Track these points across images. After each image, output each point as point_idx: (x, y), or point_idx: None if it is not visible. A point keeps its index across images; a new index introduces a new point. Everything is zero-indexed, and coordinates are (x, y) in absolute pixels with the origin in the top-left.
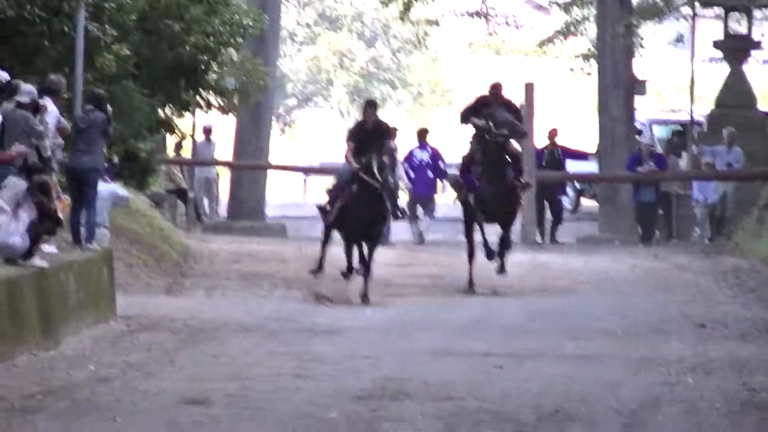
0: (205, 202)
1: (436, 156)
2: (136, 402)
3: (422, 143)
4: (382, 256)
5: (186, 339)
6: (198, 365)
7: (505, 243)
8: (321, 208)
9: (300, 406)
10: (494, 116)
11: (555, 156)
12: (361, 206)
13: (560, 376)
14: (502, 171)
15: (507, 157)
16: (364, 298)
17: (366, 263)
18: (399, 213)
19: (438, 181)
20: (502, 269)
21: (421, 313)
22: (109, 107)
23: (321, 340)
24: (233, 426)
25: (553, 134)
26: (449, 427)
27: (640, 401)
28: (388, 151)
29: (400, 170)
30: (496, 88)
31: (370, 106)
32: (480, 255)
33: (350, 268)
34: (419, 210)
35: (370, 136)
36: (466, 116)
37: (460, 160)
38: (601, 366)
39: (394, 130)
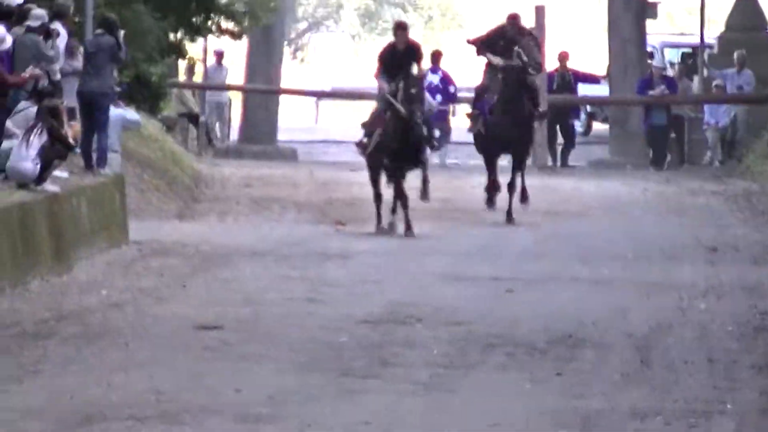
0: (217, 126)
1: (446, 80)
2: (148, 327)
3: (434, 66)
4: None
5: (197, 264)
6: (209, 290)
7: (514, 183)
8: (359, 144)
9: (311, 330)
10: (519, 47)
11: (566, 79)
12: (393, 135)
13: (571, 300)
14: (520, 103)
15: (524, 88)
16: (408, 231)
17: (400, 194)
18: (434, 142)
19: (449, 104)
20: (523, 197)
21: (431, 237)
22: (121, 31)
23: (332, 264)
24: (244, 350)
25: (563, 57)
26: (460, 351)
27: (651, 325)
28: (418, 75)
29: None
30: (514, 19)
31: (401, 28)
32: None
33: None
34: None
35: (401, 59)
36: (482, 48)
37: (473, 86)
38: (612, 290)
39: (439, 53)
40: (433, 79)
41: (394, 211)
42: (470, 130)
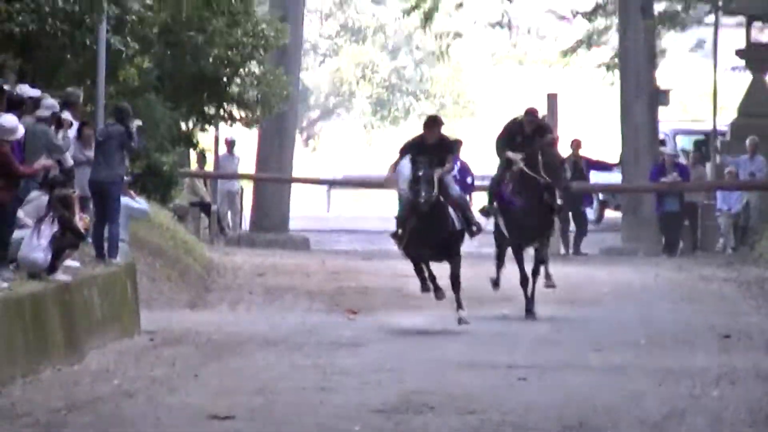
0: (229, 215)
1: (464, 170)
2: (161, 417)
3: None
4: (401, 267)
5: (210, 353)
6: (222, 379)
7: (538, 267)
8: (394, 235)
9: (324, 419)
10: (534, 154)
11: (578, 167)
12: (419, 222)
13: (584, 387)
14: (539, 195)
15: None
16: (459, 309)
17: (452, 279)
18: (474, 228)
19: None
20: (548, 280)
21: (444, 324)
22: (137, 121)
23: (345, 352)
24: None
25: (576, 145)
26: None
27: (664, 413)
28: (449, 167)
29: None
30: (532, 114)
31: (434, 123)
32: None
33: (424, 286)
34: None
35: (429, 152)
36: (501, 147)
37: (490, 174)
38: (625, 377)
39: (459, 142)
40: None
41: (459, 307)
42: (483, 209)
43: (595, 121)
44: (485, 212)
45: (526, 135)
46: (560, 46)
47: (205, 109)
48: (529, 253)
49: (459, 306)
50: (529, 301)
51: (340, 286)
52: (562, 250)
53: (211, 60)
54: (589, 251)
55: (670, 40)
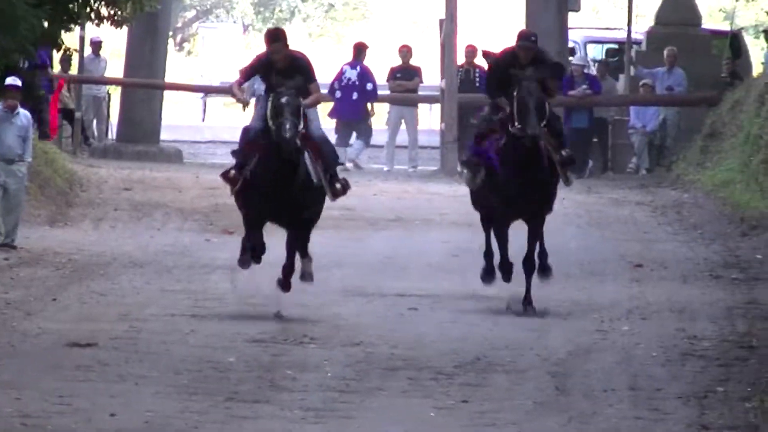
0: (94, 123)
1: (365, 74)
2: (16, 344)
3: (354, 61)
4: None
5: (71, 275)
6: (84, 304)
7: (530, 260)
8: (225, 175)
9: (195, 349)
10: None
11: (470, 77)
12: (264, 165)
13: (482, 320)
14: (538, 160)
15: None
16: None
17: (288, 247)
18: (338, 186)
19: (367, 104)
20: (544, 271)
21: (332, 248)
22: None
23: (219, 276)
24: (121, 370)
25: (470, 52)
26: (357, 374)
27: (569, 349)
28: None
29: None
30: (527, 38)
31: (276, 38)
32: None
33: (244, 257)
34: (354, 135)
35: (281, 77)
36: (493, 89)
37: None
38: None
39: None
40: (351, 74)
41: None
42: (468, 183)
43: (497, 28)
44: (466, 163)
45: (522, 66)
46: None
47: (70, 6)
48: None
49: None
50: (527, 293)
51: (216, 203)
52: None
53: None
54: None
55: None
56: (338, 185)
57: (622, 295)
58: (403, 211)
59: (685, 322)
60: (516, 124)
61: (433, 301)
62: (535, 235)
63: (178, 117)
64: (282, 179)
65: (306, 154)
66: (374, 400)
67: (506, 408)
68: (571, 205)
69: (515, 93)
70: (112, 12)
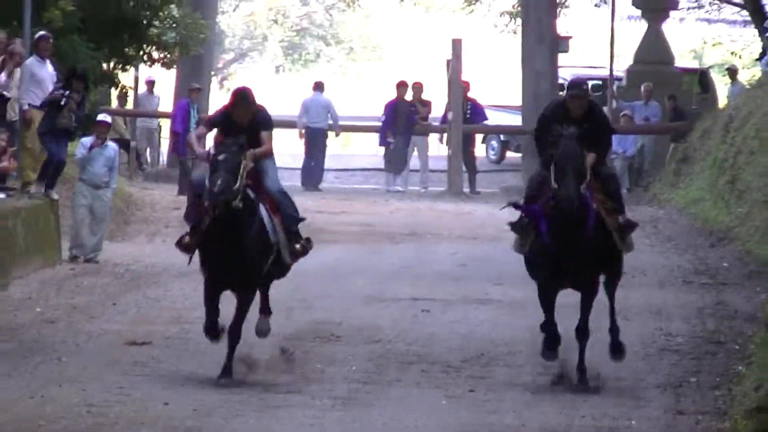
0: (147, 151)
1: (478, 110)
2: (80, 343)
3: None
4: (313, 203)
5: (128, 283)
6: (139, 308)
7: (582, 330)
8: (179, 242)
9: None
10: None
11: (464, 109)
12: (214, 226)
13: (486, 320)
14: (582, 224)
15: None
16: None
17: (233, 324)
18: (298, 246)
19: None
20: (615, 351)
21: (352, 259)
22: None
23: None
24: (172, 366)
25: (464, 87)
26: (378, 368)
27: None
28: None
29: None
30: (579, 88)
31: (244, 101)
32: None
33: (212, 329)
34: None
35: (240, 132)
36: (541, 144)
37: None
38: (524, 311)
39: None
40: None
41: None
42: (516, 249)
43: (497, 67)
44: (515, 227)
45: (574, 120)
46: None
47: (126, 50)
48: None
49: (225, 369)
50: (580, 362)
51: None
52: (466, 189)
53: (131, 3)
54: (492, 190)
55: None
56: (298, 246)
57: (606, 298)
58: (416, 226)
59: (662, 322)
60: (554, 185)
61: (443, 304)
62: (587, 303)
63: None
64: (228, 238)
65: (261, 208)
66: (392, 391)
67: (507, 397)
68: None
69: (554, 152)
70: (162, 55)
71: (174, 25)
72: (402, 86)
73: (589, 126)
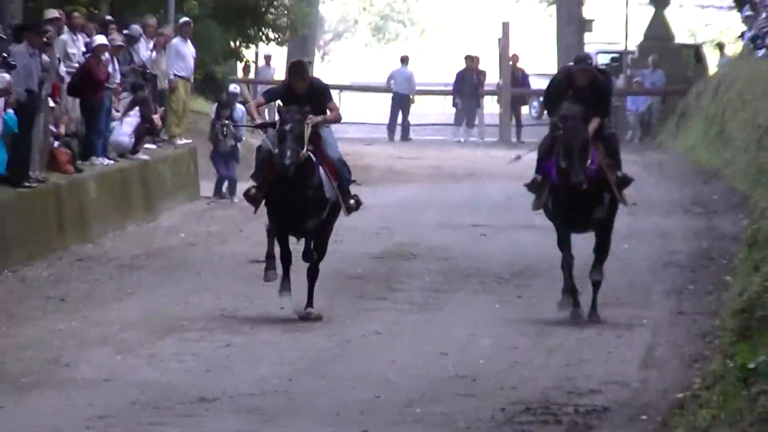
0: (266, 112)
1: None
2: (215, 261)
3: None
4: (394, 149)
5: (250, 215)
6: (260, 234)
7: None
8: (246, 194)
9: (336, 264)
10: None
11: (516, 76)
12: (280, 184)
13: (529, 242)
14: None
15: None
16: (306, 314)
17: (306, 256)
18: (351, 201)
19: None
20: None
21: (424, 194)
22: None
23: (352, 215)
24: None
25: (515, 59)
26: (446, 279)
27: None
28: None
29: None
30: (584, 61)
31: (300, 70)
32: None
33: (269, 271)
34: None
35: (300, 102)
36: (550, 107)
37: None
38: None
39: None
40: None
41: (309, 304)
42: (534, 206)
43: (537, 44)
44: (531, 186)
45: (579, 88)
46: None
47: (249, 31)
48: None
49: (309, 303)
50: (593, 301)
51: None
52: (513, 138)
53: None
54: (534, 139)
55: None
56: (352, 201)
57: (623, 224)
58: (474, 168)
59: (666, 242)
60: (561, 164)
61: (496, 229)
62: (600, 248)
63: None
64: (291, 194)
65: (321, 171)
66: (457, 297)
67: (546, 300)
68: None
69: (561, 135)
70: (276, 35)
71: (285, 11)
72: (468, 58)
73: (593, 92)
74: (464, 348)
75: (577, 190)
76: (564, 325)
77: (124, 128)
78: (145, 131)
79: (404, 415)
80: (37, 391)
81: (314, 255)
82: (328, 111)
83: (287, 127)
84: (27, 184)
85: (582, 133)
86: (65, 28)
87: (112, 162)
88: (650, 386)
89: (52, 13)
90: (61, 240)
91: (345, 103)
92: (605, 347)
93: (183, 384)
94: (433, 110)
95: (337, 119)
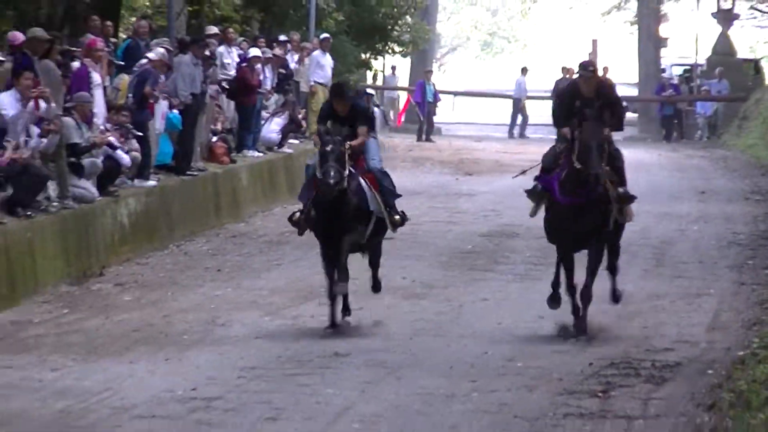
0: (391, 113)
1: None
2: (292, 251)
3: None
4: (499, 146)
5: None
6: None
7: (587, 290)
8: (290, 218)
9: (450, 241)
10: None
11: None
12: (322, 205)
13: None
14: (600, 159)
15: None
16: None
17: (372, 264)
18: (397, 217)
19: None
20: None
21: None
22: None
23: (464, 199)
24: (407, 252)
25: (605, 70)
26: (543, 254)
27: (663, 240)
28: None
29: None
30: (586, 67)
31: (340, 92)
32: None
33: (332, 289)
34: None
35: (342, 123)
36: (557, 119)
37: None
38: (638, 217)
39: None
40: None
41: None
42: (531, 212)
43: (621, 57)
44: (530, 193)
45: (586, 98)
46: (601, 8)
47: (377, 46)
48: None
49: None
50: (580, 319)
51: (460, 158)
52: None
53: (380, 15)
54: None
55: (671, 6)
56: (397, 217)
57: (693, 209)
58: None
59: (730, 224)
60: (576, 164)
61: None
62: (592, 265)
63: (440, 109)
64: (333, 207)
65: (362, 182)
66: (553, 269)
67: (627, 274)
68: (664, 158)
69: (579, 134)
70: (400, 49)
71: (408, 29)
72: (564, 69)
73: (602, 103)
74: (558, 313)
75: (577, 206)
76: (641, 294)
77: (272, 126)
78: (291, 129)
79: (507, 369)
80: (197, 347)
81: (380, 285)
82: (358, 133)
83: (328, 149)
84: (189, 172)
85: (600, 133)
86: (221, 41)
87: (261, 154)
88: (716, 345)
89: (212, 29)
90: (218, 219)
91: (459, 105)
92: (678, 312)
93: (321, 341)
94: (535, 112)
95: (360, 146)
